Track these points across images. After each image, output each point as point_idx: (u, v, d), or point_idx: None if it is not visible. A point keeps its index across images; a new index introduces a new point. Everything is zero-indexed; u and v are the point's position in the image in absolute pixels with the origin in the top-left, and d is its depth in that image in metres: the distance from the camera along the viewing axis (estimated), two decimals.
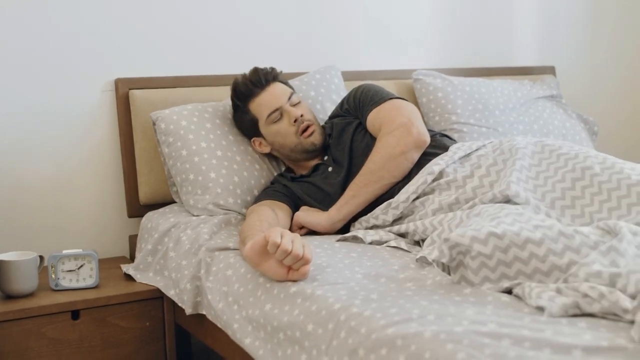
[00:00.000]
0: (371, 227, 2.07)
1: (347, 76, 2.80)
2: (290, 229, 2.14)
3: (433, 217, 1.91)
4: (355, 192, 2.11)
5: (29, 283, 2.14)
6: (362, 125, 2.30)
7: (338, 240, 1.99)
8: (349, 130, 2.29)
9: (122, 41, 2.56)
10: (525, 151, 1.96)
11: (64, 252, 2.20)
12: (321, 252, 1.87)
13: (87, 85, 2.53)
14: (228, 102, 2.50)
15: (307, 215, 2.14)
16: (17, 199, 2.46)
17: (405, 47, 3.10)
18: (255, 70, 2.34)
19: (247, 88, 2.32)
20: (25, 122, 2.46)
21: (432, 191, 2.02)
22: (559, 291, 1.41)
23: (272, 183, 2.36)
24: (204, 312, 1.99)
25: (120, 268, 2.38)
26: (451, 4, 3.20)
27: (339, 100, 2.63)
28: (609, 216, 1.75)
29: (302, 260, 1.66)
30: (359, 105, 2.32)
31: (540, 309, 1.37)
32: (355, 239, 1.99)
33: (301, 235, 2.12)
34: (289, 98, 2.32)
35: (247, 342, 1.72)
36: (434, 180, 2.02)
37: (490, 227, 1.55)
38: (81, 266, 2.21)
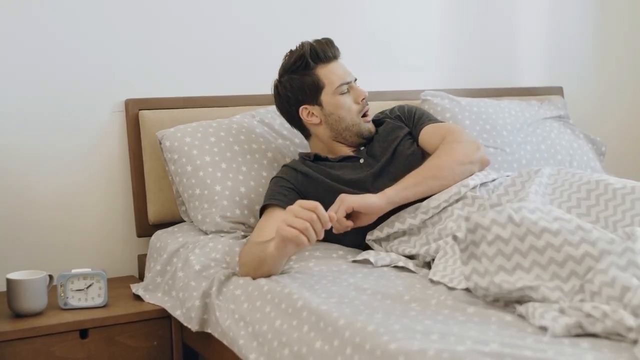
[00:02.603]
0: (394, 232, 2.05)
1: None
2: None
3: (447, 238, 1.91)
4: (418, 181, 2.07)
5: (38, 302, 2.16)
6: (411, 135, 2.30)
7: (353, 261, 1.99)
8: (399, 133, 2.28)
9: (132, 62, 2.59)
10: (543, 172, 2.00)
11: (73, 271, 2.22)
12: (327, 272, 1.88)
13: (98, 105, 2.56)
14: (235, 117, 2.52)
15: (359, 197, 2.01)
16: (27, 218, 2.48)
17: (413, 68, 3.12)
18: (332, 41, 2.30)
19: (324, 51, 2.26)
20: (36, 141, 2.48)
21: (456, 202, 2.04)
22: (562, 311, 1.41)
23: (284, 166, 2.29)
24: (209, 331, 2.00)
25: (128, 287, 2.39)
26: (459, 24, 3.22)
27: None
28: (623, 217, 1.77)
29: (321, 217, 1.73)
30: (413, 117, 2.34)
31: (544, 329, 1.38)
32: (366, 261, 1.98)
33: (348, 226, 1.99)
34: (355, 80, 2.32)
35: (251, 358, 1.73)
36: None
37: (511, 210, 1.57)
38: (90, 285, 2.22)
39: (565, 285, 1.46)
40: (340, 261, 2.00)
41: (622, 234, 1.56)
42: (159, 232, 2.45)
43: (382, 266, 1.93)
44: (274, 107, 2.61)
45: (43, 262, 2.46)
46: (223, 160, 2.37)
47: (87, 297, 2.22)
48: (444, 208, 2.01)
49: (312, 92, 2.25)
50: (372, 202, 2.00)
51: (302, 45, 2.27)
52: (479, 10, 3.26)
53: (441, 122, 2.36)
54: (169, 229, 2.45)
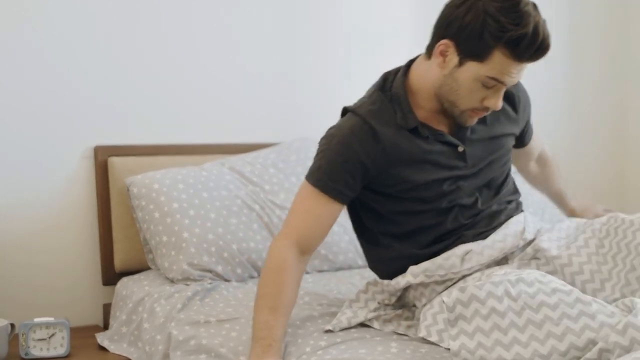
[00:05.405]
0: (445, 280, 1.79)
1: None
2: None
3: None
4: None
5: None
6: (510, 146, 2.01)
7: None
8: (504, 143, 1.97)
9: (102, 108, 2.58)
10: (562, 226, 1.91)
11: (36, 320, 2.18)
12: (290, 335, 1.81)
13: (66, 151, 2.54)
14: (205, 165, 2.50)
15: None
16: None
17: None
18: (546, 49, 1.75)
19: (525, 50, 1.71)
20: (1, 186, 2.45)
21: None
22: None
23: (357, 117, 1.85)
24: None
25: (92, 337, 2.35)
26: None
27: None
28: (629, 251, 1.70)
29: None
30: (527, 121, 2.08)
31: None
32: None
33: None
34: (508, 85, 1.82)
35: None
36: None
37: (508, 284, 1.52)
38: (52, 335, 2.18)
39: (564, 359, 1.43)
40: (309, 323, 1.89)
41: (621, 305, 1.52)
42: (124, 280, 2.42)
43: (341, 330, 1.79)
44: (244, 155, 2.61)
45: (5, 310, 2.42)
46: (191, 207, 2.35)
47: (49, 346, 2.18)
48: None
49: (470, 49, 1.73)
50: None
51: (526, 23, 1.68)
52: None
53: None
54: (135, 276, 2.42)
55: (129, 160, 2.55)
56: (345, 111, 1.95)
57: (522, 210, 2.00)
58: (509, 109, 1.99)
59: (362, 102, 1.92)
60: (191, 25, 2.72)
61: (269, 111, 2.86)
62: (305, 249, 1.83)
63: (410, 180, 1.83)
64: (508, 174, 2.00)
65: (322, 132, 2.85)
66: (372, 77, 3.00)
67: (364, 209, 1.94)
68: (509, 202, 1.97)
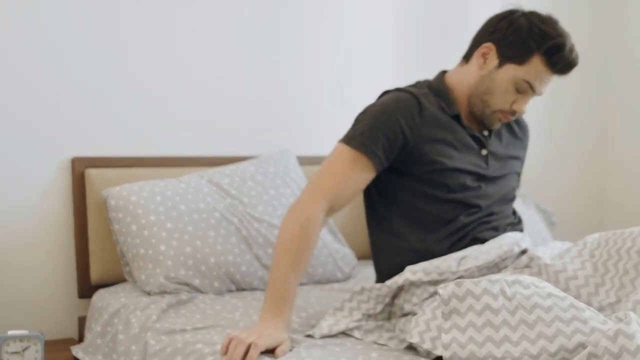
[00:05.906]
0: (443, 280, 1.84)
1: (303, 161, 2.82)
2: None
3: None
4: None
5: None
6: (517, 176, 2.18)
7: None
8: (514, 165, 2.14)
9: (80, 120, 2.55)
10: (555, 244, 1.97)
11: (9, 333, 2.15)
12: None
13: (43, 162, 2.51)
14: (183, 177, 2.48)
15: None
16: None
17: None
18: (575, 66, 2.00)
19: (558, 63, 1.97)
20: None
21: None
22: None
23: (407, 92, 2.00)
24: None
25: (67, 350, 2.32)
26: None
27: (296, 178, 2.63)
28: (627, 256, 1.71)
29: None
30: (524, 156, 2.23)
31: None
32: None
33: None
34: (536, 94, 2.05)
35: None
36: None
37: (505, 283, 1.54)
38: (26, 348, 2.15)
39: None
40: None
41: (614, 319, 1.51)
42: (100, 292, 2.39)
43: (322, 337, 1.80)
44: (222, 168, 2.60)
45: None
46: (169, 220, 2.33)
47: None
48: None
49: (511, 53, 1.99)
50: None
51: (565, 36, 1.97)
52: None
53: None
54: (112, 288, 2.40)
55: (107, 172, 2.53)
56: (384, 94, 2.08)
57: (521, 230, 2.12)
58: (520, 134, 2.21)
59: (408, 87, 2.08)
60: (173, 38, 2.71)
61: (248, 124, 2.85)
62: (332, 210, 1.92)
63: (440, 161, 1.97)
64: (512, 199, 2.15)
65: (301, 145, 2.88)
66: (353, 92, 3.05)
67: (384, 197, 2.04)
68: (507, 217, 2.09)
